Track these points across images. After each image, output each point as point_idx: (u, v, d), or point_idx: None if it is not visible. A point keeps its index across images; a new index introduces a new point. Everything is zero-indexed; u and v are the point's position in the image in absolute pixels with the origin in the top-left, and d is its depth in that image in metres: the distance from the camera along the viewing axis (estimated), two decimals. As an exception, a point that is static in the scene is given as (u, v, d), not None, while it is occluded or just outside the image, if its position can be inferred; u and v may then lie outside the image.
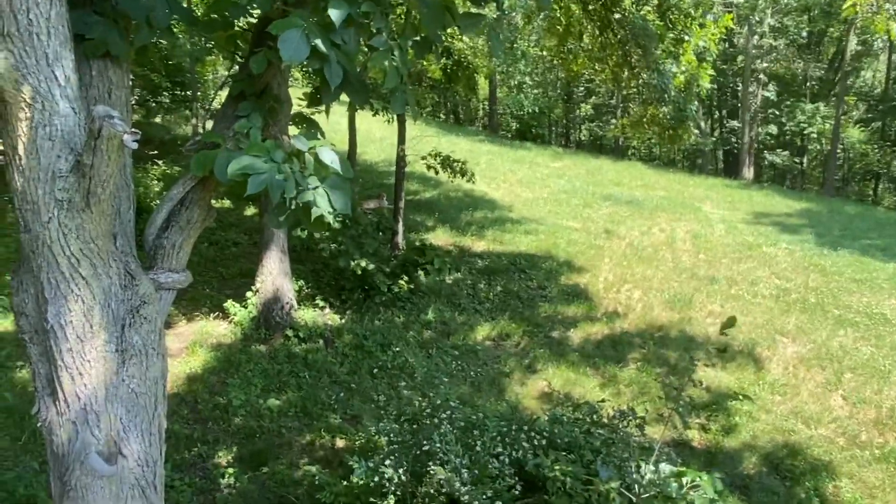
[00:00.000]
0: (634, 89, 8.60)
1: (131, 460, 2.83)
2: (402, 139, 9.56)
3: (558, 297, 9.16)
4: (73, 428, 2.73)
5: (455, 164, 9.87)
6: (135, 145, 2.36)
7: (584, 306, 9.05)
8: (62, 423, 2.73)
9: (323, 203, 2.59)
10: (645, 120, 8.45)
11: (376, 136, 17.78)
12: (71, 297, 2.64)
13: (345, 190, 2.66)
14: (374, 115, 9.41)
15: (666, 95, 7.88)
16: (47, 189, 2.45)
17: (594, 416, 4.45)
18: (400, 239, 9.85)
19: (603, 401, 4.85)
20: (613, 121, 27.35)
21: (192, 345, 7.58)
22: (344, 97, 2.82)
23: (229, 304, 8.17)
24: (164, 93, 13.11)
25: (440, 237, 11.26)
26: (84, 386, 2.71)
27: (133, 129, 2.37)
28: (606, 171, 18.52)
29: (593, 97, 30.15)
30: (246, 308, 8.09)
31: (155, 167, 12.19)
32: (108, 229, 2.60)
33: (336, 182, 2.67)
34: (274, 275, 7.98)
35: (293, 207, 2.56)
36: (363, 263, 8.23)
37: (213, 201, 2.97)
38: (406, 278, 8.85)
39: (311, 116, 3.10)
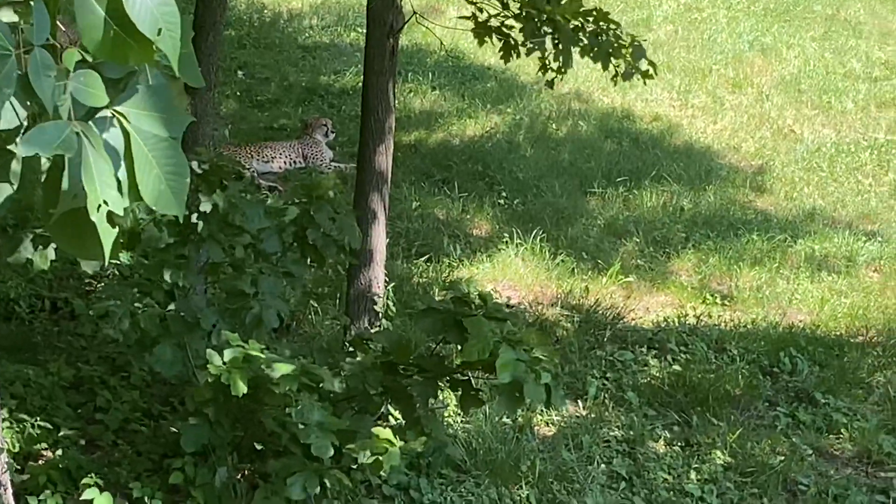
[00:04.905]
0: None
1: None
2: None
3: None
4: None
5: (576, 27, 9.38)
6: None
7: None
8: None
9: (99, 162, 2.87)
10: None
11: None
12: None
13: (173, 120, 3.01)
14: None
15: None
16: None
17: None
18: (376, 283, 9.68)
19: None
20: None
21: None
22: None
23: None
24: None
25: (517, 275, 11.14)
26: None
27: None
28: None
29: None
30: None
31: None
32: None
33: (155, 95, 3.02)
34: None
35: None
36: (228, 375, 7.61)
37: None
38: (394, 443, 7.95)
39: None
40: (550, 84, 9.54)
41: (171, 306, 8.34)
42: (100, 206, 2.88)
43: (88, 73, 2.91)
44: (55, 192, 2.92)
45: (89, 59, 2.95)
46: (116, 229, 2.99)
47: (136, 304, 8.44)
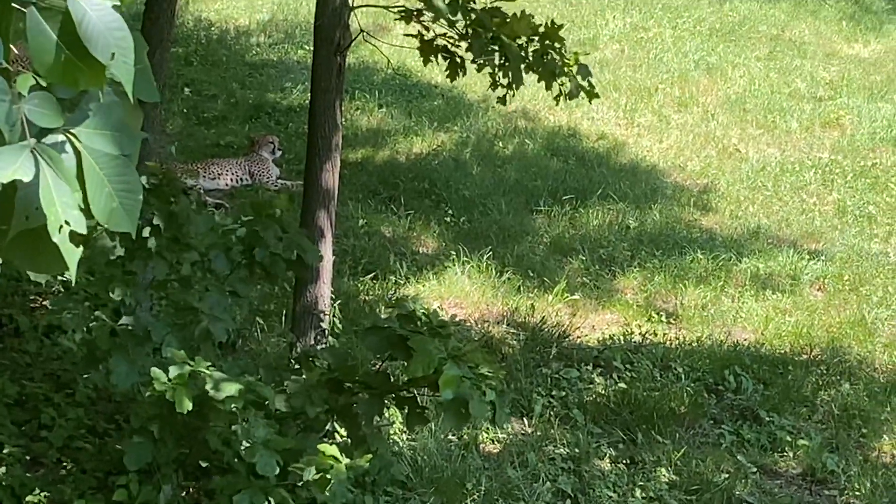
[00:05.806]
0: None
1: None
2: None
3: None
4: None
5: (521, 43, 9.35)
6: None
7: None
8: None
9: (58, 183, 2.86)
10: None
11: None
12: None
13: (128, 140, 3.04)
14: None
15: None
16: None
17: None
18: (322, 301, 9.48)
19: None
20: None
21: None
22: None
23: None
24: None
25: (463, 293, 11.10)
26: None
27: None
28: None
29: None
30: None
31: None
32: None
33: (107, 113, 3.03)
34: None
35: None
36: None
37: None
38: (339, 460, 7.81)
39: None
40: (502, 101, 9.36)
41: (122, 320, 8.16)
42: (61, 226, 2.84)
43: (42, 95, 2.89)
44: (7, 208, 2.87)
45: (42, 82, 2.93)
46: (80, 248, 2.96)
47: (87, 316, 8.40)
